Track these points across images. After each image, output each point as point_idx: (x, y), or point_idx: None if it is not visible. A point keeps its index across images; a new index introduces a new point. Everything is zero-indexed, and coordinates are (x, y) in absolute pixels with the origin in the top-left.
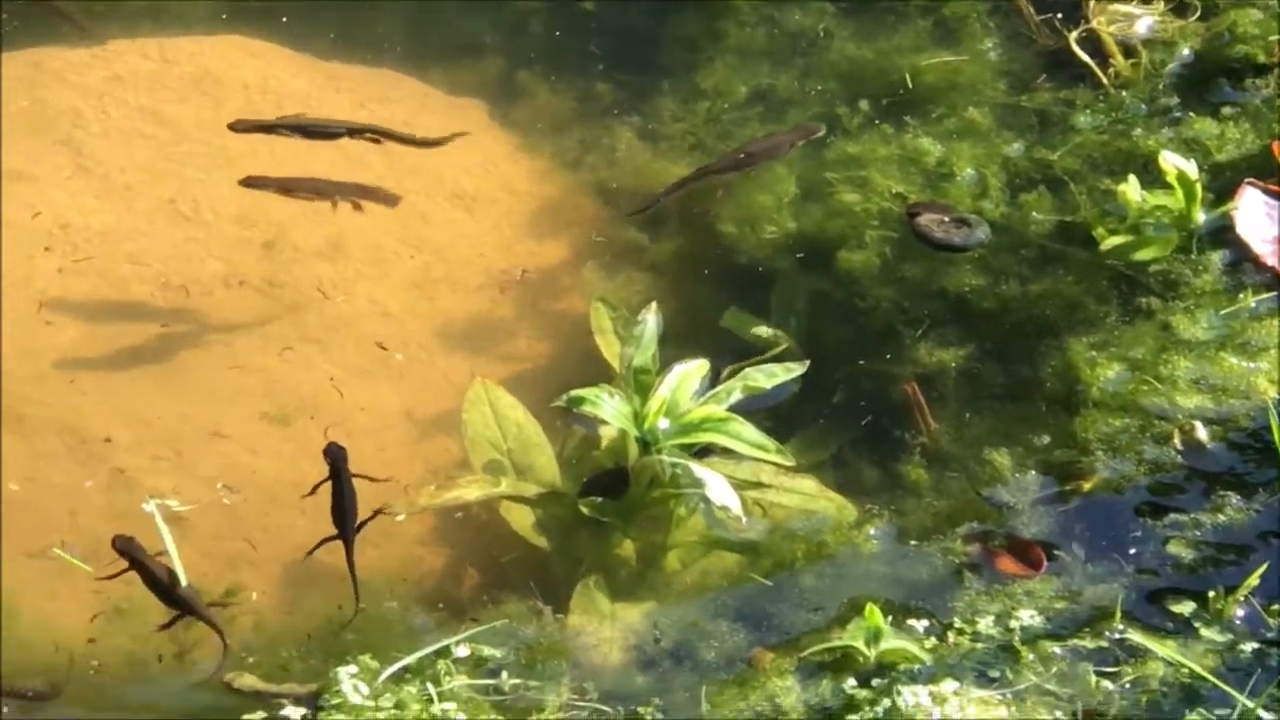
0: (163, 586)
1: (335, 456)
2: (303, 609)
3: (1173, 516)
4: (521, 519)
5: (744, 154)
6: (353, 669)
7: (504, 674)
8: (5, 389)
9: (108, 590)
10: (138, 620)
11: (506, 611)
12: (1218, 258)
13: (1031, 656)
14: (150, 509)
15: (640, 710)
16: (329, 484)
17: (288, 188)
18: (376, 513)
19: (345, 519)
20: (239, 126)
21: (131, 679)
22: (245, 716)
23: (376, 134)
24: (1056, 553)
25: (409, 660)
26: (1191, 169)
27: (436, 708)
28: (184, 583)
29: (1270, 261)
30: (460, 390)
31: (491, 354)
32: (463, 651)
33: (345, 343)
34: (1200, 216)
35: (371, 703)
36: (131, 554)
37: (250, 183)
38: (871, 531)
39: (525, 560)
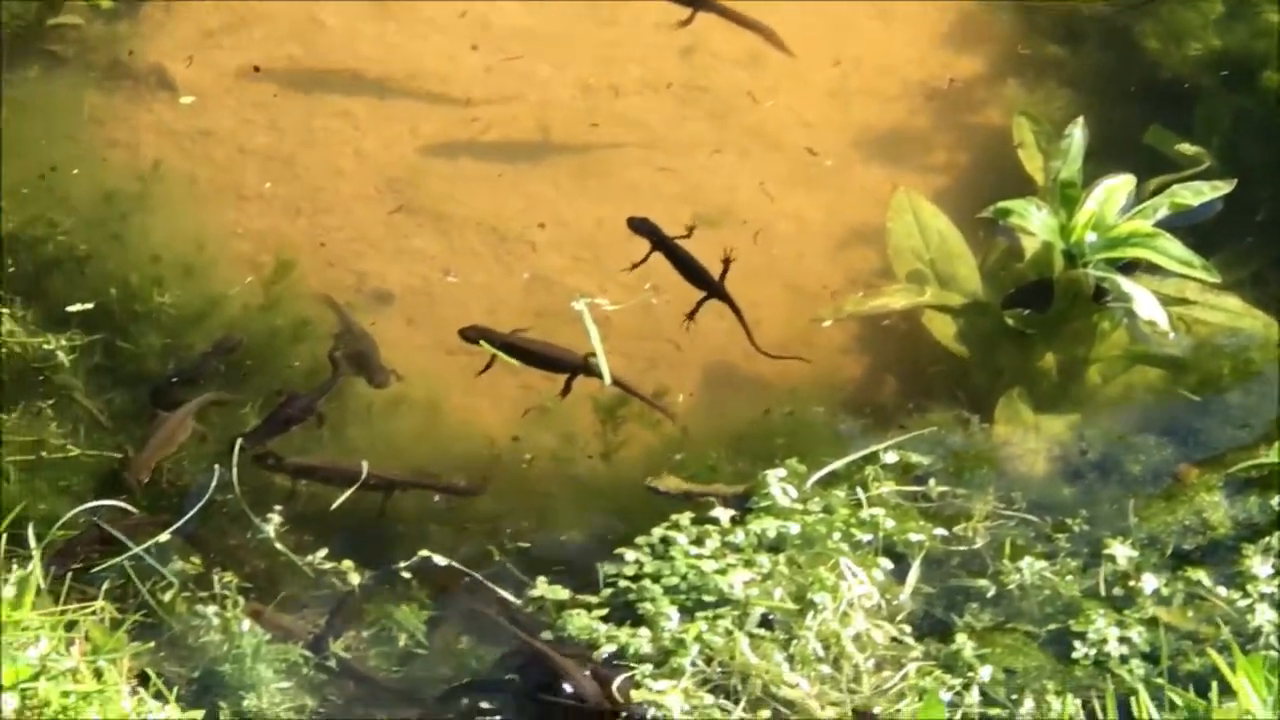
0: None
1: (644, 226)
2: (729, 412)
3: None
4: (944, 328)
5: None
6: (781, 472)
7: (931, 481)
8: (427, 186)
9: (534, 388)
10: (563, 419)
11: (932, 420)
12: None
13: None
14: (580, 307)
15: (1068, 521)
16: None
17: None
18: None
19: (699, 271)
20: None
21: (558, 477)
22: (674, 516)
23: None
24: None
25: (837, 465)
26: None
27: (865, 512)
28: (608, 380)
29: None
30: (878, 200)
31: (909, 164)
32: (890, 458)
33: (765, 149)
34: None
35: (800, 505)
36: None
37: None
38: None
39: (947, 370)
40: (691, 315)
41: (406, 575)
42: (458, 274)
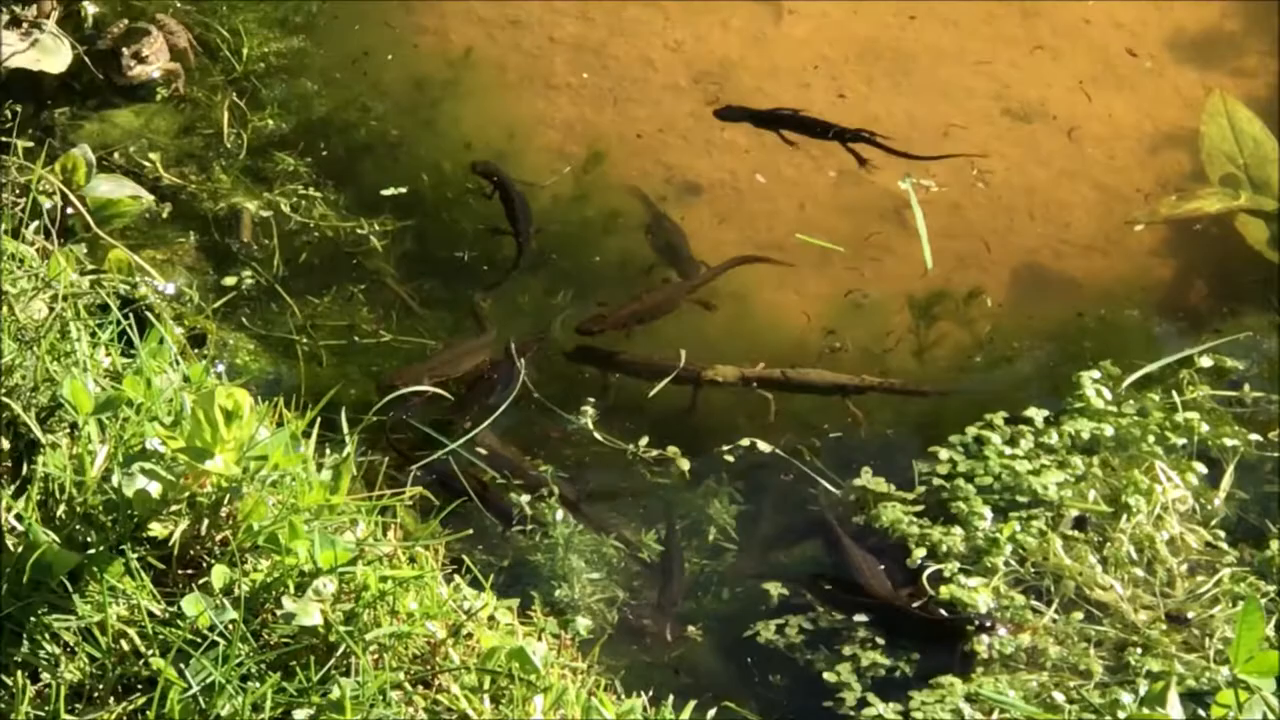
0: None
1: (733, 112)
2: (1039, 313)
3: None
4: (1257, 234)
5: None
6: (1095, 374)
7: (1245, 386)
8: (737, 80)
9: (850, 281)
10: (877, 316)
11: (1246, 324)
12: None
13: None
14: (905, 186)
15: None
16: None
17: None
18: None
19: (816, 122)
20: None
21: (860, 365)
22: (987, 415)
23: None
24: None
25: (1151, 368)
26: None
27: (1179, 416)
28: (929, 266)
29: None
30: (1190, 103)
31: (1221, 68)
32: (1205, 362)
33: (1077, 49)
34: None
35: (1114, 407)
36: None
37: None
38: None
39: (1260, 276)
40: (860, 162)
41: (730, 459)
42: (767, 168)
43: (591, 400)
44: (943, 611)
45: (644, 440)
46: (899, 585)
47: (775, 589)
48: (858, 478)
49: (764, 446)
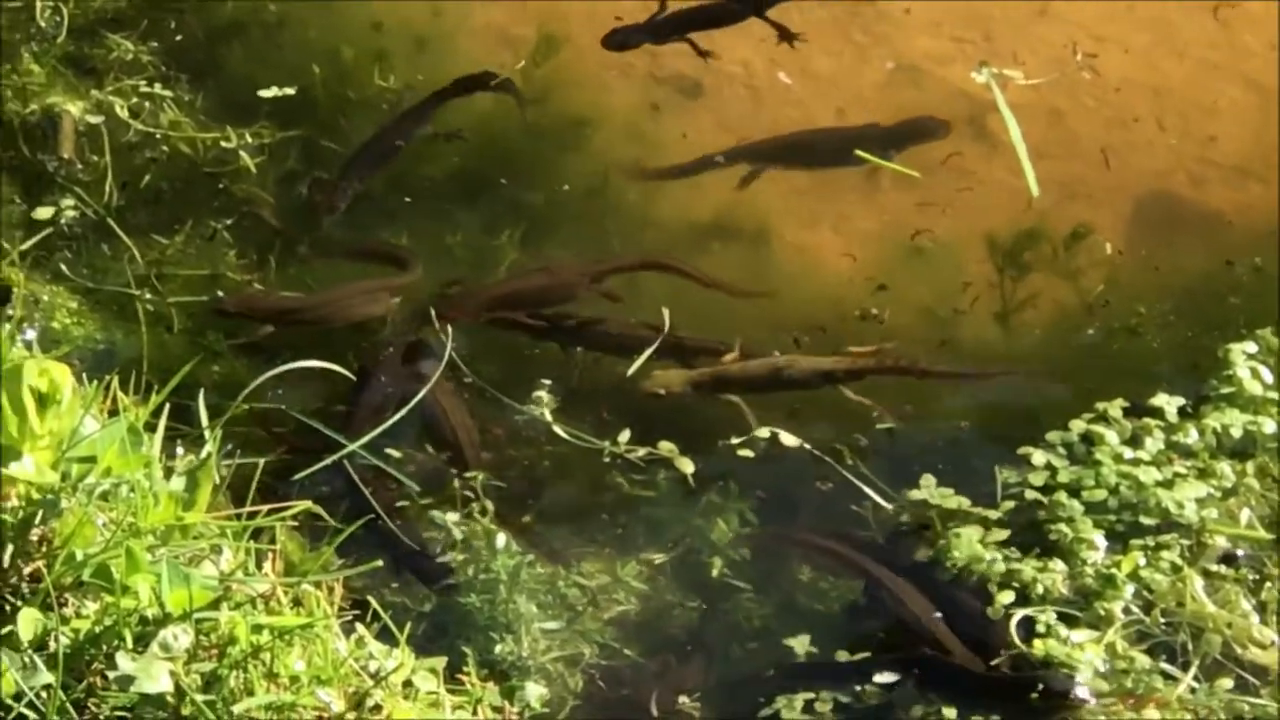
0: None
1: (625, 35)
2: (1172, 263)
3: None
4: None
5: None
6: (1250, 347)
7: None
8: None
9: (914, 219)
10: (946, 265)
11: None
12: None
13: None
14: (983, 78)
15: None
16: None
17: None
18: None
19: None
20: None
21: (928, 344)
22: (1101, 405)
23: None
24: None
25: None
26: None
27: None
28: (1035, 193)
29: None
30: None
31: None
32: None
33: None
34: None
35: (1276, 394)
36: None
37: None
38: None
39: None
40: (785, 37)
41: (746, 456)
42: (792, 61)
43: (548, 383)
44: (1036, 675)
45: (624, 435)
46: (973, 638)
47: (802, 645)
48: (915, 489)
49: (789, 440)
